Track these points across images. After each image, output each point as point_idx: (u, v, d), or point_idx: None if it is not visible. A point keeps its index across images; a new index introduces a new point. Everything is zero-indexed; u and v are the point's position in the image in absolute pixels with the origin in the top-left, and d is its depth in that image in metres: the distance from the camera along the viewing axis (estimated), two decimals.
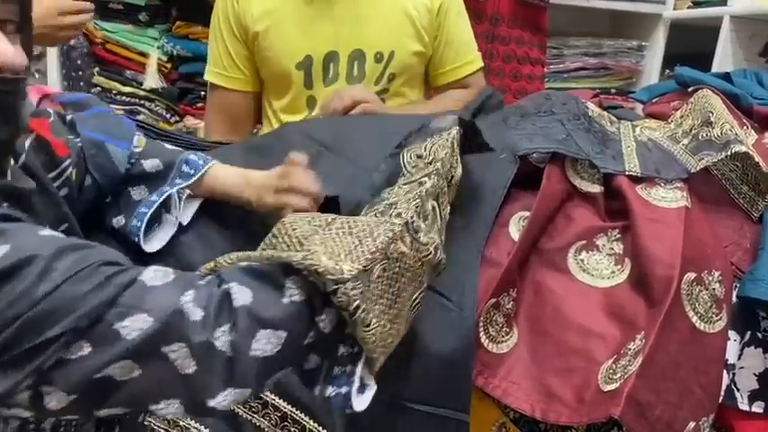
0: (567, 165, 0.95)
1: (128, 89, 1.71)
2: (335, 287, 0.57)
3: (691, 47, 1.98)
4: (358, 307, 0.58)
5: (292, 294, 0.58)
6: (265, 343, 0.56)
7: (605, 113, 1.08)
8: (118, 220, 0.84)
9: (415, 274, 0.67)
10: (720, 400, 0.85)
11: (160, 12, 1.75)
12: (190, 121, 1.71)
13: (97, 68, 1.76)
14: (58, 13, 1.03)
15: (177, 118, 1.72)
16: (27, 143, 0.74)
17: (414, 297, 0.69)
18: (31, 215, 0.66)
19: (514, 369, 0.84)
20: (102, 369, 0.52)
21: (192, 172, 0.85)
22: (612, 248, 0.91)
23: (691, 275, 0.85)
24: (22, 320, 0.49)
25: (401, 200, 0.72)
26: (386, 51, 1.31)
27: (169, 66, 1.74)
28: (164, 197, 0.84)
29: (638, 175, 0.94)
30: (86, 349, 0.51)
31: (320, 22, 1.28)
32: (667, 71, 2.10)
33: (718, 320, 0.86)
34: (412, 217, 0.68)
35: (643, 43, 2.13)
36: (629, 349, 0.82)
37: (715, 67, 1.79)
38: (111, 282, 0.53)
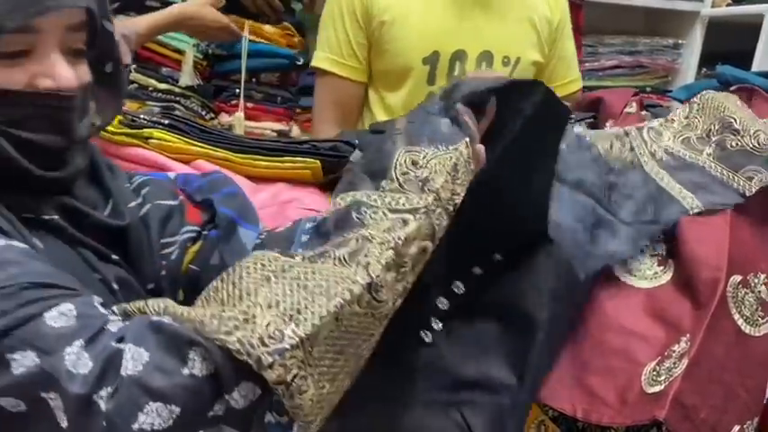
0: None
1: (164, 86, 1.72)
2: (270, 360, 0.50)
3: (729, 45, 1.94)
4: (295, 376, 0.52)
5: (193, 367, 0.51)
6: (155, 416, 0.50)
7: (616, 145, 0.98)
8: None
9: (364, 328, 0.60)
10: (765, 403, 0.84)
11: None
12: (224, 118, 1.72)
13: (135, 65, 1.79)
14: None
15: (212, 115, 1.73)
16: (173, 202, 0.77)
17: (360, 348, 0.61)
18: (126, 256, 0.70)
19: (556, 369, 0.84)
20: None
21: None
22: (655, 249, 0.91)
23: (736, 278, 0.84)
24: None
25: (374, 241, 0.61)
26: (513, 56, 1.30)
27: (204, 63, 1.75)
28: None
29: (701, 210, 0.90)
30: None
31: (450, 19, 1.28)
32: (704, 70, 2.06)
33: (764, 323, 0.85)
34: (378, 275, 0.58)
35: (680, 41, 2.10)
36: (674, 351, 0.81)
37: (755, 66, 1.76)
38: (17, 312, 0.51)
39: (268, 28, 1.68)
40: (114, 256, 0.69)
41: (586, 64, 2.05)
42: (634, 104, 1.07)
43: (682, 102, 1.29)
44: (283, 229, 0.80)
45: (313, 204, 0.97)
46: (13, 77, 0.59)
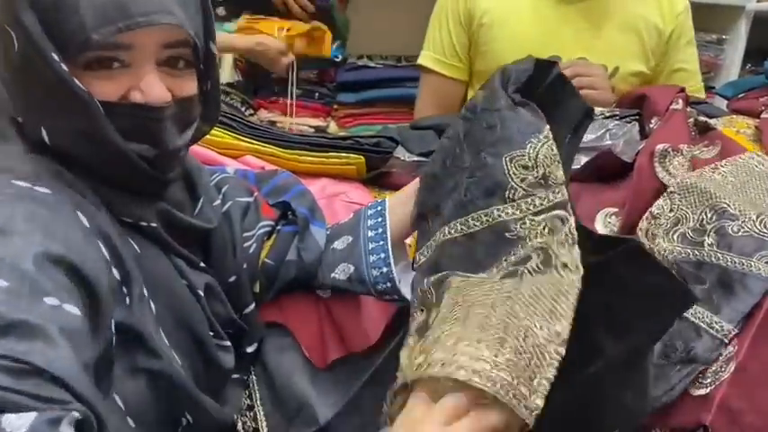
0: (655, 160, 0.93)
1: None
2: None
3: None
4: None
5: None
6: None
7: None
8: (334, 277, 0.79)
9: None
10: None
11: (237, 6, 1.79)
12: (263, 113, 1.74)
13: None
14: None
15: (252, 111, 1.75)
16: (248, 199, 0.80)
17: None
18: (206, 255, 0.73)
19: None
20: None
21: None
22: None
23: None
24: None
25: (550, 241, 0.63)
26: (611, 65, 1.28)
27: (244, 60, 1.77)
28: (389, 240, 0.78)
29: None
30: None
31: (550, 24, 1.28)
32: (749, 65, 2.02)
33: None
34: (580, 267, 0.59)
35: (723, 37, 2.06)
36: (720, 355, 0.80)
37: None
38: None
39: (299, 26, 1.69)
40: (202, 264, 0.71)
41: None
42: (680, 101, 1.05)
43: (728, 98, 1.27)
44: (345, 222, 0.83)
45: (358, 198, 0.98)
46: (110, 89, 0.61)
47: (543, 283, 0.59)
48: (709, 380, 0.78)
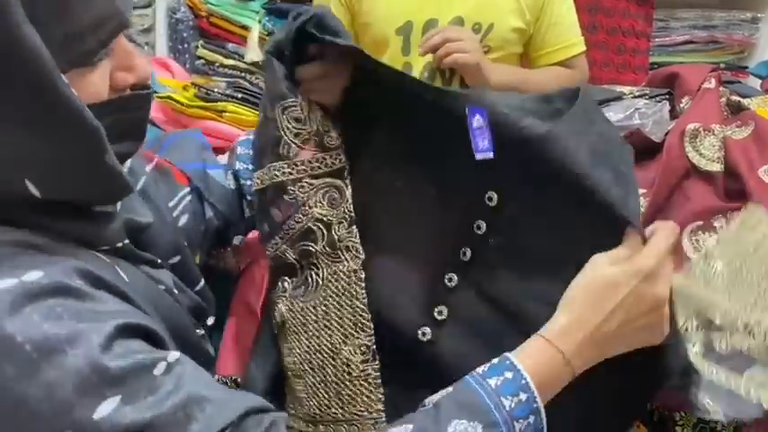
0: (685, 140, 0.91)
1: (230, 62, 1.75)
2: None
3: None
4: None
5: None
6: None
7: None
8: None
9: None
10: None
11: None
12: None
13: (201, 41, 1.82)
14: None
15: None
16: (148, 168, 0.76)
17: None
18: (147, 248, 0.67)
19: None
20: None
21: None
22: None
23: None
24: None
25: (330, 215, 0.73)
26: (485, 23, 1.31)
27: (269, 39, 1.78)
28: None
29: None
30: None
31: None
32: None
33: None
34: None
35: (758, 15, 2.00)
36: None
37: None
38: None
39: None
40: (159, 261, 0.68)
41: (657, 39, 1.98)
42: (713, 80, 1.02)
43: (763, 78, 1.24)
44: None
45: None
46: (100, 85, 0.55)
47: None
48: None
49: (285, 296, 0.78)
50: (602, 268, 0.65)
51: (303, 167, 0.70)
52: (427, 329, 0.76)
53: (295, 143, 0.70)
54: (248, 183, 0.83)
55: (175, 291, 0.68)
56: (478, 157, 0.67)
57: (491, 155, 0.67)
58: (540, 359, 0.62)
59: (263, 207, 0.77)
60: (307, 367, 0.75)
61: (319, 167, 0.70)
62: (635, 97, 1.05)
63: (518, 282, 0.72)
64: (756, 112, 0.98)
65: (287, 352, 0.79)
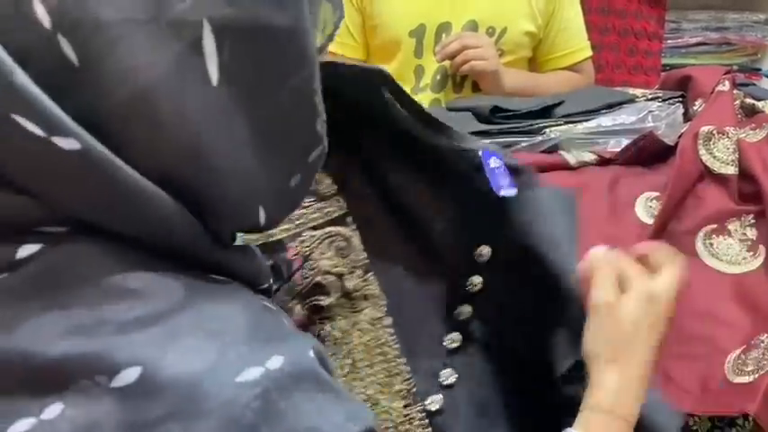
0: (699, 143, 0.91)
1: None
2: None
3: None
4: None
5: None
6: None
7: None
8: None
9: None
10: None
11: None
12: None
13: None
14: None
15: None
16: None
17: None
18: None
19: None
20: None
21: None
22: (745, 234, 0.87)
23: None
24: None
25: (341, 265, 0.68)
26: (498, 27, 1.31)
27: None
28: None
29: None
30: None
31: None
32: None
33: None
34: None
35: None
36: (762, 342, 0.78)
37: None
38: None
39: None
40: None
41: (669, 41, 1.97)
42: (726, 82, 1.02)
43: None
44: None
45: None
46: None
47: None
48: (750, 367, 0.76)
49: None
50: (611, 309, 0.56)
51: (302, 221, 0.67)
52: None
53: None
54: None
55: None
56: (502, 194, 0.63)
57: (515, 191, 0.64)
58: None
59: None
60: None
61: (320, 218, 0.67)
62: (648, 100, 1.05)
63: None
64: None
65: None
